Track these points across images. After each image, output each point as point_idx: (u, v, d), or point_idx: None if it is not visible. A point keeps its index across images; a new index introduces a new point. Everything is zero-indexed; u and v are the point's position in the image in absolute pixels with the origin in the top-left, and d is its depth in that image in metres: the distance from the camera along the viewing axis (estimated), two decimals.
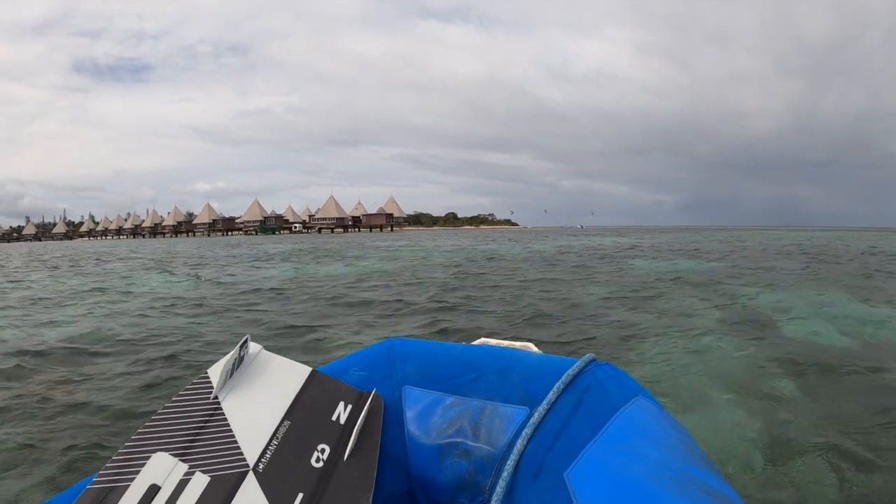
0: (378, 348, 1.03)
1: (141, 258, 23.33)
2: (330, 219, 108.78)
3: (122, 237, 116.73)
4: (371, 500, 0.77)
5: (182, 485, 0.70)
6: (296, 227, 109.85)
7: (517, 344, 1.13)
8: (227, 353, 0.86)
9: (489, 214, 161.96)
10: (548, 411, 0.82)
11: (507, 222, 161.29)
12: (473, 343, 1.15)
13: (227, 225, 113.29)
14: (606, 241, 34.14)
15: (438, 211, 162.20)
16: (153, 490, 0.68)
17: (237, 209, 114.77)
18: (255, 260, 19.94)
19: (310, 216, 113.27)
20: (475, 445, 0.85)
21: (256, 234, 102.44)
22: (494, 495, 0.75)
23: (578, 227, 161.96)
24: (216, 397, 0.82)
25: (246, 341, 0.91)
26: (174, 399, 0.81)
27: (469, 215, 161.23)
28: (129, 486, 0.68)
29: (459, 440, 0.86)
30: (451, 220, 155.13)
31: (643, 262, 15.74)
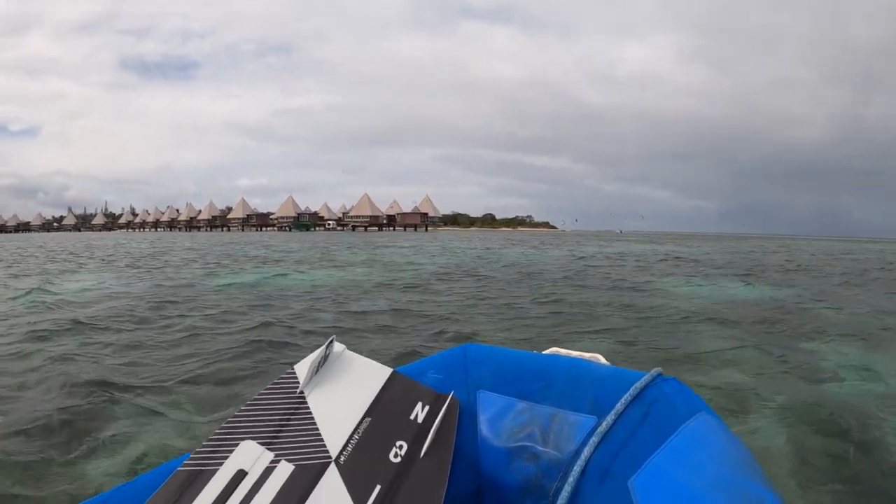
0: (454, 352, 1.07)
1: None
2: (363, 217, 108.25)
3: (158, 230, 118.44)
4: (444, 496, 0.81)
5: (268, 472, 0.73)
6: (330, 224, 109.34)
7: (586, 355, 1.14)
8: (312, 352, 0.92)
9: (527, 216, 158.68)
10: (615, 421, 0.85)
11: (546, 224, 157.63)
12: (544, 352, 1.15)
13: (260, 220, 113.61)
14: (643, 248, 30.68)
15: (476, 211, 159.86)
16: (240, 475, 0.72)
17: (278, 205, 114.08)
18: (234, 262, 17.61)
19: (343, 214, 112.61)
20: (544, 450, 0.88)
21: (290, 230, 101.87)
22: (560, 499, 0.79)
23: (618, 231, 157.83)
24: (302, 392, 0.87)
25: (332, 341, 0.96)
26: (262, 392, 0.86)
27: (507, 217, 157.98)
28: (217, 469, 0.72)
29: (529, 444, 0.90)
30: (489, 221, 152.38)
31: (680, 285, 11.79)
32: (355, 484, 0.76)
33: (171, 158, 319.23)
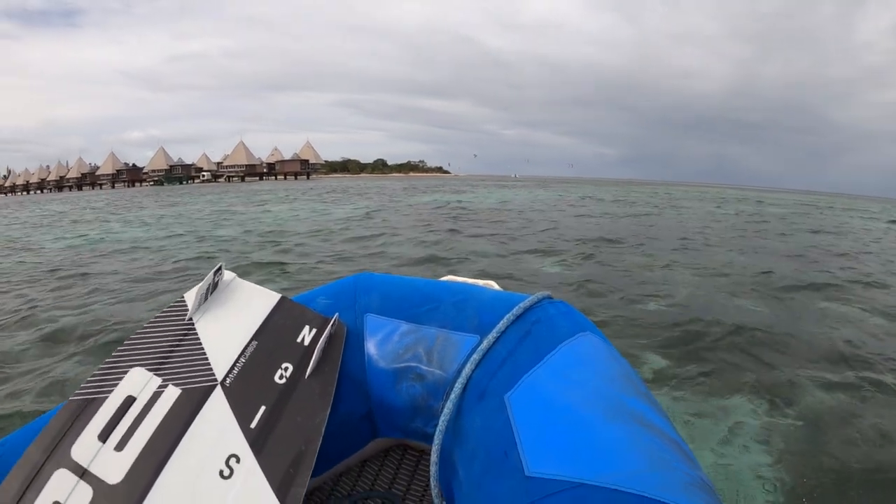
0: (345, 281, 1.09)
1: None
2: (239, 166, 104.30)
3: (28, 192, 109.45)
4: (328, 415, 0.85)
5: (156, 396, 0.77)
6: (204, 176, 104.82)
7: (480, 282, 1.15)
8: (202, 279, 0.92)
9: (420, 161, 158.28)
10: (497, 340, 0.87)
11: (439, 170, 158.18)
12: (439, 279, 1.17)
13: (132, 176, 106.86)
14: (517, 195, 29.04)
15: (373, 158, 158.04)
16: (129, 401, 0.75)
17: (172, 158, 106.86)
18: None
19: (217, 164, 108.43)
20: (428, 370, 0.92)
21: (163, 184, 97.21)
22: (442, 415, 0.81)
23: (513, 176, 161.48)
24: (191, 319, 0.89)
25: (220, 268, 0.96)
26: (152, 320, 0.87)
27: (398, 162, 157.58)
28: (107, 397, 0.75)
29: (414, 364, 0.93)
30: (380, 167, 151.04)
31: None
32: (240, 405, 0.79)
33: (55, 113, 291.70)
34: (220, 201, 25.96)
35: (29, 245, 10.79)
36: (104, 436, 0.72)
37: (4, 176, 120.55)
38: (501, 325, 0.88)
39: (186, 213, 18.64)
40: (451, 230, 11.05)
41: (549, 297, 0.96)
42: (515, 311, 0.90)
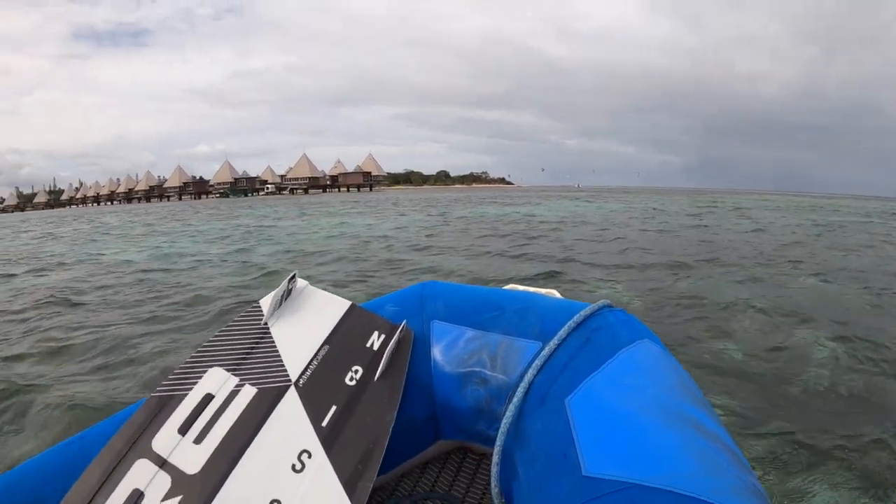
0: (412, 289, 1.12)
1: None
2: (302, 179, 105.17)
3: (98, 204, 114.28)
4: (395, 416, 0.88)
5: (233, 395, 0.81)
6: (268, 188, 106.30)
7: (542, 290, 1.17)
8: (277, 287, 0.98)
9: (482, 173, 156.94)
10: (558, 346, 0.88)
11: (502, 181, 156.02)
12: (503, 288, 1.20)
13: (198, 188, 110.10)
14: (579, 207, 27.02)
15: (434, 170, 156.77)
16: (208, 398, 0.80)
17: (237, 171, 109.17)
18: None
19: (281, 177, 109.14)
20: (492, 374, 0.94)
21: (228, 196, 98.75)
22: (504, 418, 0.83)
23: (576, 186, 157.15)
24: (266, 323, 0.94)
25: (294, 276, 1.02)
26: (229, 323, 0.93)
27: (461, 174, 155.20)
28: (187, 394, 0.80)
29: (479, 369, 0.95)
30: (443, 178, 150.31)
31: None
32: (312, 404, 0.83)
33: (126, 129, 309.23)
34: (306, 213, 25.44)
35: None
36: (184, 429, 0.77)
37: (76, 188, 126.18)
38: (563, 332, 0.89)
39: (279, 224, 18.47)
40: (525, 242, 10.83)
41: (609, 306, 0.97)
42: (576, 318, 0.91)
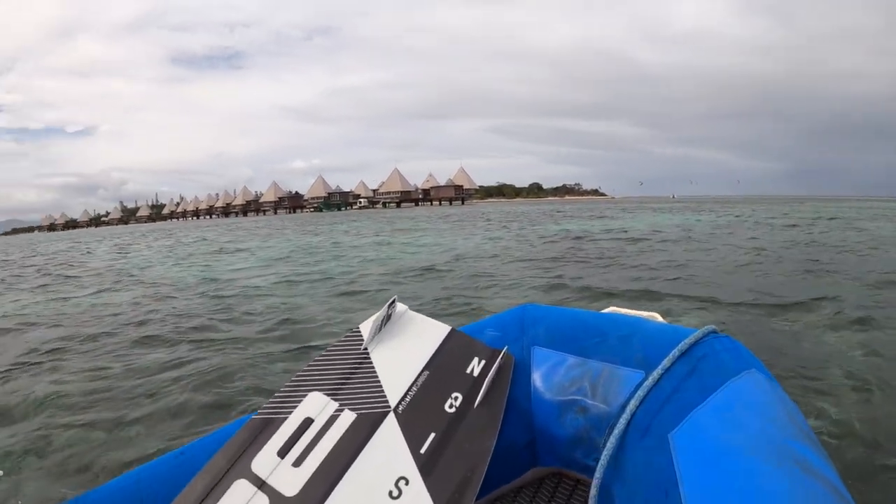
0: (512, 312, 1.08)
1: None
2: (394, 192, 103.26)
3: (197, 218, 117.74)
4: (494, 444, 0.86)
5: (332, 419, 0.81)
6: (361, 202, 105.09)
7: (644, 314, 1.14)
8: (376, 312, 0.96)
9: (575, 184, 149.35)
10: (662, 376, 0.85)
11: (595, 192, 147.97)
12: (603, 311, 1.16)
13: (293, 202, 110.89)
14: (672, 220, 21.80)
15: (527, 182, 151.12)
16: (307, 422, 0.80)
17: (331, 186, 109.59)
18: None
19: (373, 191, 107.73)
20: (593, 403, 0.90)
21: (322, 210, 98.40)
22: (605, 450, 0.81)
23: (671, 196, 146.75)
24: (366, 348, 0.93)
25: (394, 301, 1.01)
26: (329, 348, 0.93)
27: (554, 186, 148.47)
28: (287, 417, 0.80)
29: (579, 398, 0.92)
30: (535, 191, 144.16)
31: None
32: (411, 431, 0.82)
33: (224, 146, 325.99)
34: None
35: None
36: (283, 452, 0.77)
37: (177, 203, 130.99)
38: (667, 361, 0.86)
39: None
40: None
41: (715, 332, 0.93)
42: (681, 346, 0.88)
